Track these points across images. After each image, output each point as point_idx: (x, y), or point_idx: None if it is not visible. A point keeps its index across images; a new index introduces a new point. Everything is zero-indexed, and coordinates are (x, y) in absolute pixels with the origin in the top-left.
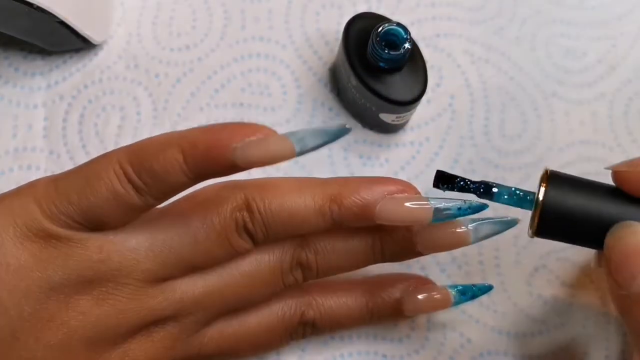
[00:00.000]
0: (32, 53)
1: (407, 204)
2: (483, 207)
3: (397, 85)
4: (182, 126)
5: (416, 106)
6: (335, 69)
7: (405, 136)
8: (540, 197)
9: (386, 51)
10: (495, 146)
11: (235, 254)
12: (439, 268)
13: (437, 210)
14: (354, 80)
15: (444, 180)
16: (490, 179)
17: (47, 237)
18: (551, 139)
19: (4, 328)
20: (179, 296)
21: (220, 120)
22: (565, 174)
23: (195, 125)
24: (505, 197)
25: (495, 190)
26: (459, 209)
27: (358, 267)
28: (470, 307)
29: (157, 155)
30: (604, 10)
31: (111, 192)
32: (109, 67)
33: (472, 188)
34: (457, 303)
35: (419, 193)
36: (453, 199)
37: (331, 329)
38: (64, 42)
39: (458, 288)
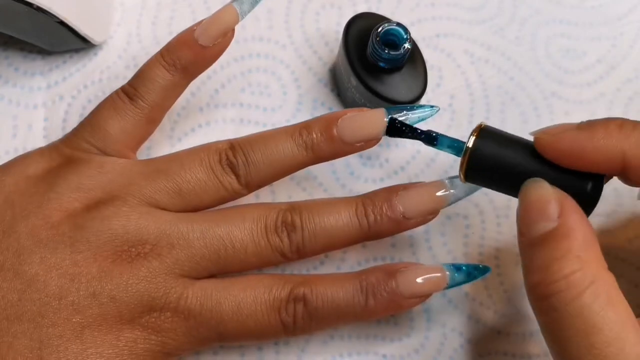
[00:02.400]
0: (32, 53)
1: (366, 114)
2: (432, 111)
3: (397, 85)
4: (182, 126)
5: None
6: (335, 69)
7: None
8: (470, 145)
9: (386, 51)
10: None
11: (221, 189)
12: None
13: (391, 119)
14: (354, 80)
15: (394, 131)
16: None
17: (63, 158)
18: None
19: (8, 219)
20: (163, 221)
21: (220, 121)
22: (498, 130)
23: (195, 126)
24: (446, 146)
25: (437, 140)
26: (408, 116)
27: (346, 237)
28: (471, 307)
29: (145, 64)
30: (603, 10)
31: (111, 106)
32: (109, 67)
33: (419, 137)
34: (452, 284)
35: None
36: (403, 106)
37: (325, 310)
38: (64, 42)
39: (455, 270)
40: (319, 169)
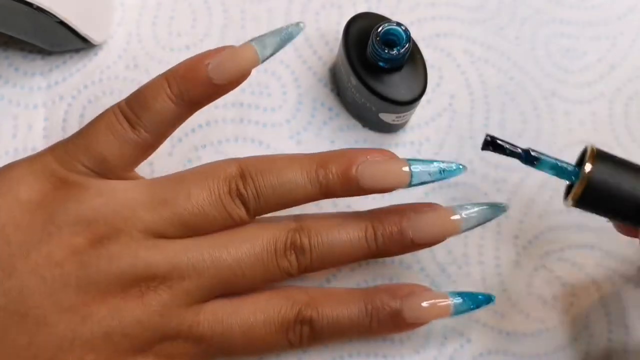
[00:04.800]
0: (32, 53)
1: (388, 164)
2: (458, 170)
3: (397, 85)
4: (182, 126)
5: (416, 106)
6: (335, 69)
7: (405, 136)
8: (587, 170)
9: (386, 51)
10: None
11: (229, 220)
12: (439, 268)
13: (414, 174)
14: (354, 80)
15: (492, 146)
16: (490, 178)
17: (57, 180)
18: (551, 139)
19: (5, 258)
20: (172, 254)
21: (220, 122)
22: (610, 154)
23: (195, 126)
24: (548, 168)
25: (538, 161)
26: (431, 174)
27: (352, 257)
28: None
29: (147, 87)
30: (603, 10)
31: (109, 129)
32: (109, 67)
33: (517, 156)
34: (456, 312)
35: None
36: (429, 160)
37: (330, 331)
38: (64, 42)
39: (460, 298)
40: None
